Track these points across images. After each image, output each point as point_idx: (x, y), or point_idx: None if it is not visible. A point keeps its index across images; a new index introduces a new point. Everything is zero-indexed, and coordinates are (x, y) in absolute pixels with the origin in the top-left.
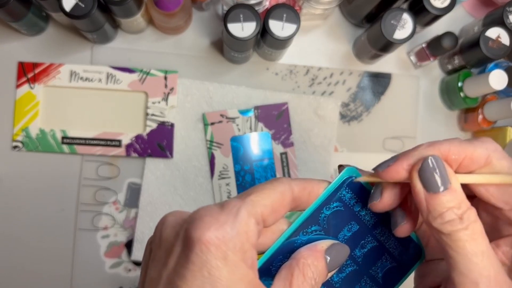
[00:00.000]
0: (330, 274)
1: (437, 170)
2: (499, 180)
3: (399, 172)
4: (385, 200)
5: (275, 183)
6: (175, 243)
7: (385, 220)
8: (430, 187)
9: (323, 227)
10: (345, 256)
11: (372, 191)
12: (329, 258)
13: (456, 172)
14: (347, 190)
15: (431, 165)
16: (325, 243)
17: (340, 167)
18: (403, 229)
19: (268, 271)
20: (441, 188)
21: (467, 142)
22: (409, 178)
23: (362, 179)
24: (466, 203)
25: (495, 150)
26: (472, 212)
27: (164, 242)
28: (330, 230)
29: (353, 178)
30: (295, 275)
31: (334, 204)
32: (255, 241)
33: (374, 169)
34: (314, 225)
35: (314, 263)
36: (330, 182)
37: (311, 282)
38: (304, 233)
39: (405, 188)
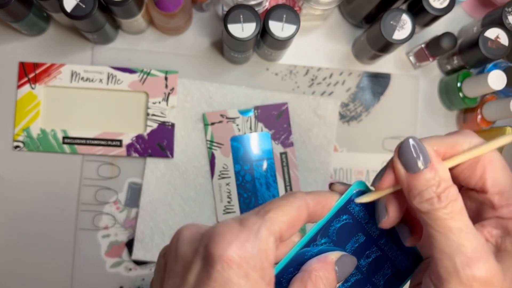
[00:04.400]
0: (338, 285)
1: (417, 149)
2: (483, 150)
3: (392, 177)
4: (392, 215)
5: (292, 198)
6: (194, 259)
7: (388, 230)
8: (409, 167)
9: (332, 239)
10: (352, 267)
11: (376, 210)
12: (338, 269)
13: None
14: (356, 203)
15: (410, 143)
16: (334, 255)
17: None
18: (412, 240)
19: (279, 283)
20: (421, 167)
21: (447, 135)
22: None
23: (364, 199)
24: (447, 181)
25: (476, 137)
26: (452, 190)
27: (181, 257)
28: (339, 242)
29: (362, 191)
30: None
31: (344, 217)
32: (273, 259)
33: (372, 185)
34: (324, 237)
35: (326, 275)
36: (340, 195)
37: None
38: (314, 245)
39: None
